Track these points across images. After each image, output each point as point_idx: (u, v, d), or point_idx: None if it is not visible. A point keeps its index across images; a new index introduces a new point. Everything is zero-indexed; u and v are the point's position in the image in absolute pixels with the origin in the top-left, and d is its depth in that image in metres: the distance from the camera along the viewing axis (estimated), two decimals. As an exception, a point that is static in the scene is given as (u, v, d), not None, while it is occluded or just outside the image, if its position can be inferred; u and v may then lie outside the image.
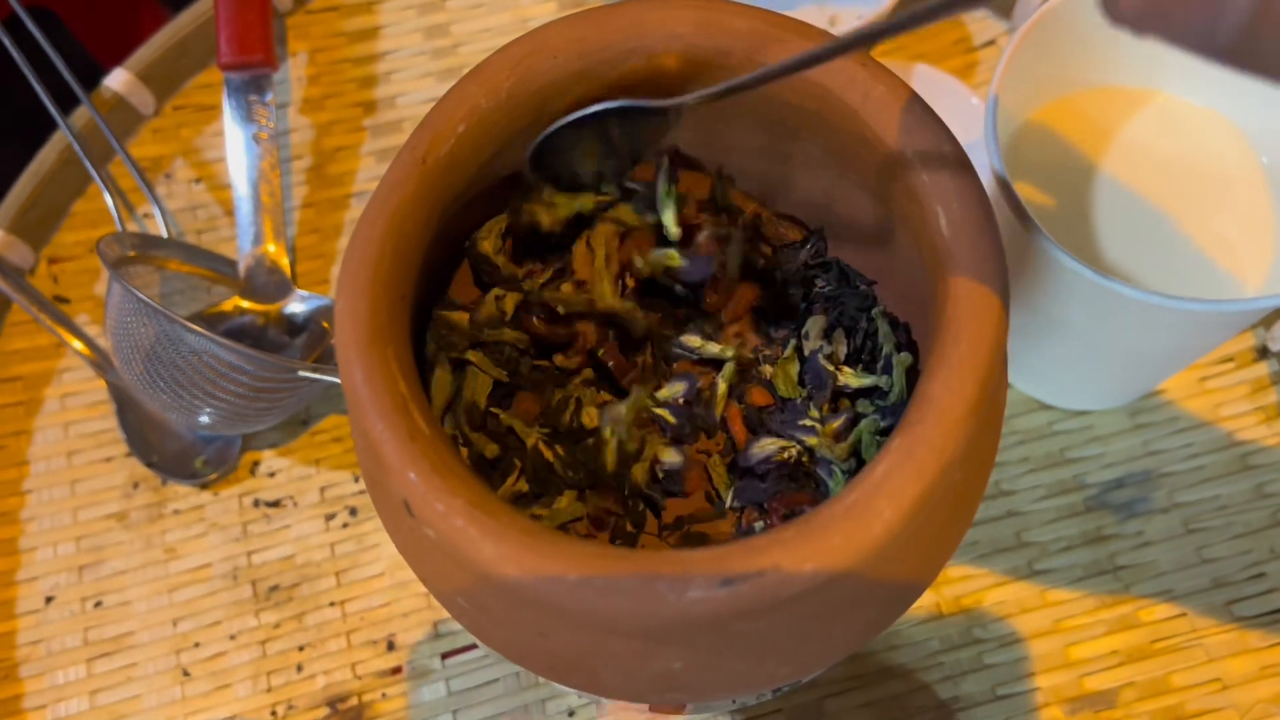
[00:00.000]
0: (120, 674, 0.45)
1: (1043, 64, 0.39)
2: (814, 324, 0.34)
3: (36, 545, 0.47)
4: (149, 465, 0.47)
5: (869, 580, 0.26)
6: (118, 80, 0.53)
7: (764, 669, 0.27)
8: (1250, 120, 0.40)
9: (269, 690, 0.44)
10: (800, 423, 0.33)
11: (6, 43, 0.48)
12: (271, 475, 0.48)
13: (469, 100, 0.30)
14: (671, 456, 0.33)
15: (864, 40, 0.24)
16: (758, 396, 0.35)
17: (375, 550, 0.46)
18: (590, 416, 0.33)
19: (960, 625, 0.44)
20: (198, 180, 0.54)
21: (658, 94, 0.31)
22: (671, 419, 0.33)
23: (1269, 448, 0.46)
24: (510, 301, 0.33)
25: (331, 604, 0.46)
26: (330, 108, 0.55)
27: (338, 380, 0.43)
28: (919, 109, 0.29)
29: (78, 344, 0.48)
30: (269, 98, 0.52)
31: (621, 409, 0.32)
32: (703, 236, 0.33)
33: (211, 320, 0.48)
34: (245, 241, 0.50)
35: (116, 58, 0.54)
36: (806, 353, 0.34)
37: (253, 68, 0.52)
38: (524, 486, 0.32)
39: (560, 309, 0.33)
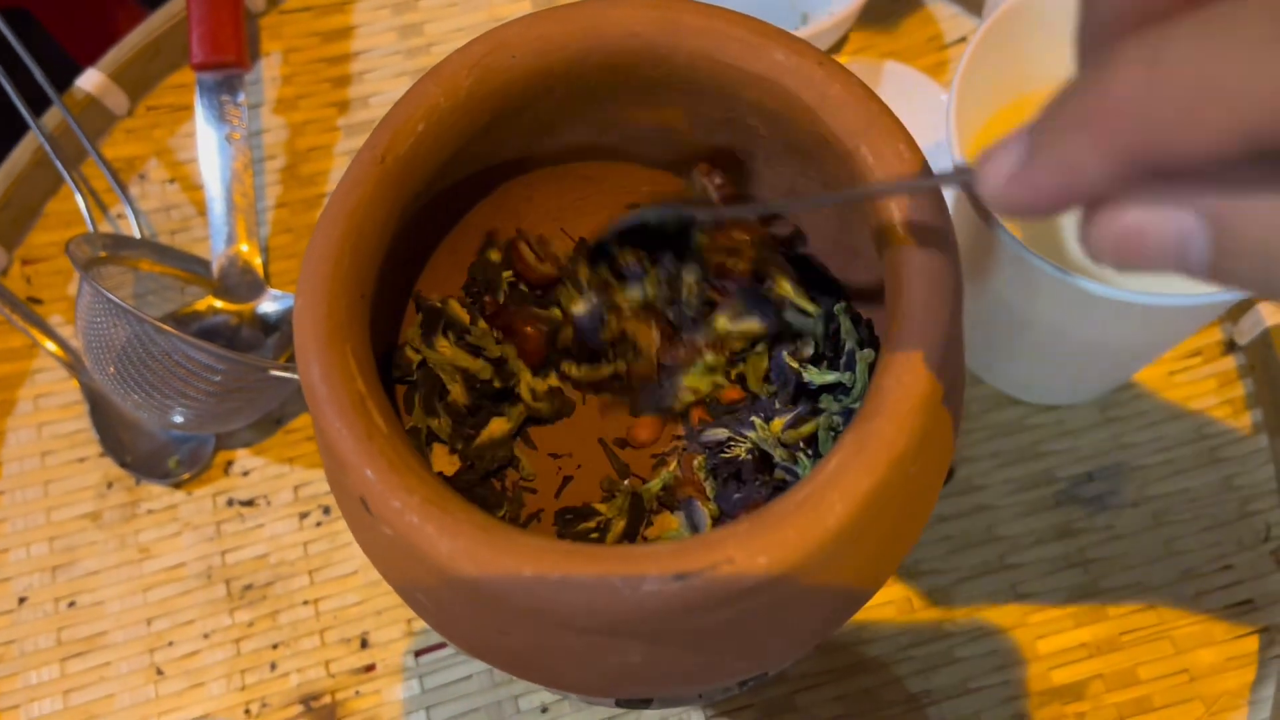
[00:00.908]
0: (94, 673, 0.45)
1: (1005, 61, 0.39)
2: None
3: (9, 546, 0.47)
4: (122, 465, 0.47)
5: (824, 573, 0.26)
6: (90, 81, 0.52)
7: (723, 663, 0.28)
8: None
9: (243, 689, 0.44)
10: (751, 418, 0.33)
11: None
12: (245, 474, 0.48)
13: (428, 99, 0.30)
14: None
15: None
16: (730, 393, 0.36)
17: (349, 549, 0.46)
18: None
19: (931, 619, 0.44)
20: (171, 181, 0.54)
21: (614, 90, 0.31)
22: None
23: (1237, 440, 0.47)
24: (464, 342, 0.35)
25: (305, 602, 0.46)
26: (304, 108, 0.55)
27: (309, 379, 0.43)
28: (875, 107, 0.29)
29: (51, 345, 0.48)
30: (241, 98, 0.52)
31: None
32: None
33: (185, 320, 0.48)
34: (218, 242, 0.50)
35: (93, 56, 0.54)
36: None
37: (225, 68, 0.52)
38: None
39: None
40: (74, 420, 0.49)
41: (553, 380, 0.36)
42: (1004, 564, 0.45)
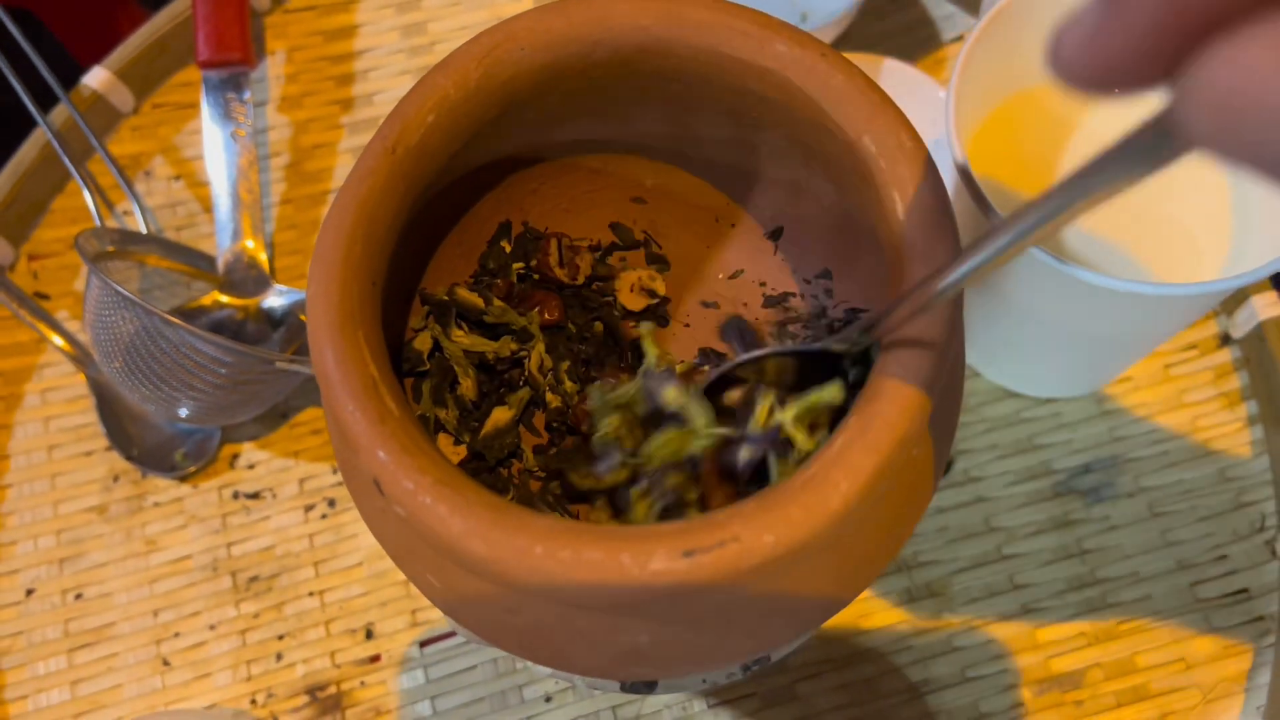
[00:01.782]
0: (101, 664, 0.45)
1: (1002, 58, 0.40)
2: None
3: (17, 539, 0.47)
4: (129, 459, 0.48)
5: (828, 552, 0.27)
6: (97, 79, 0.53)
7: (728, 642, 0.28)
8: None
9: (249, 679, 0.45)
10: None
11: (-15, 41, 0.49)
12: (251, 468, 0.48)
13: (438, 91, 0.30)
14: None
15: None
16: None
17: (353, 541, 0.47)
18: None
19: (930, 609, 0.45)
20: (176, 177, 0.54)
21: (620, 82, 0.32)
22: None
23: (1231, 433, 0.47)
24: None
25: (310, 594, 0.46)
26: (308, 105, 0.55)
27: (313, 372, 0.43)
28: (877, 98, 0.29)
29: (58, 339, 0.49)
30: (247, 95, 0.52)
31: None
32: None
33: (191, 315, 0.49)
34: (224, 237, 0.50)
35: (95, 56, 0.54)
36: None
37: (231, 65, 0.52)
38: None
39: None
40: (80, 414, 0.49)
41: (567, 385, 0.37)
42: (1002, 554, 0.46)
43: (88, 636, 0.46)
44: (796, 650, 0.44)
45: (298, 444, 0.49)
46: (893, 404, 0.26)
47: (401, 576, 0.46)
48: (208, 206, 0.53)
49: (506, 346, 0.35)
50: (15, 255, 0.52)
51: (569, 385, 0.36)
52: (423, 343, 0.35)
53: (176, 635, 0.46)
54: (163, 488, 0.48)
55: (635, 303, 0.37)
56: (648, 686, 0.36)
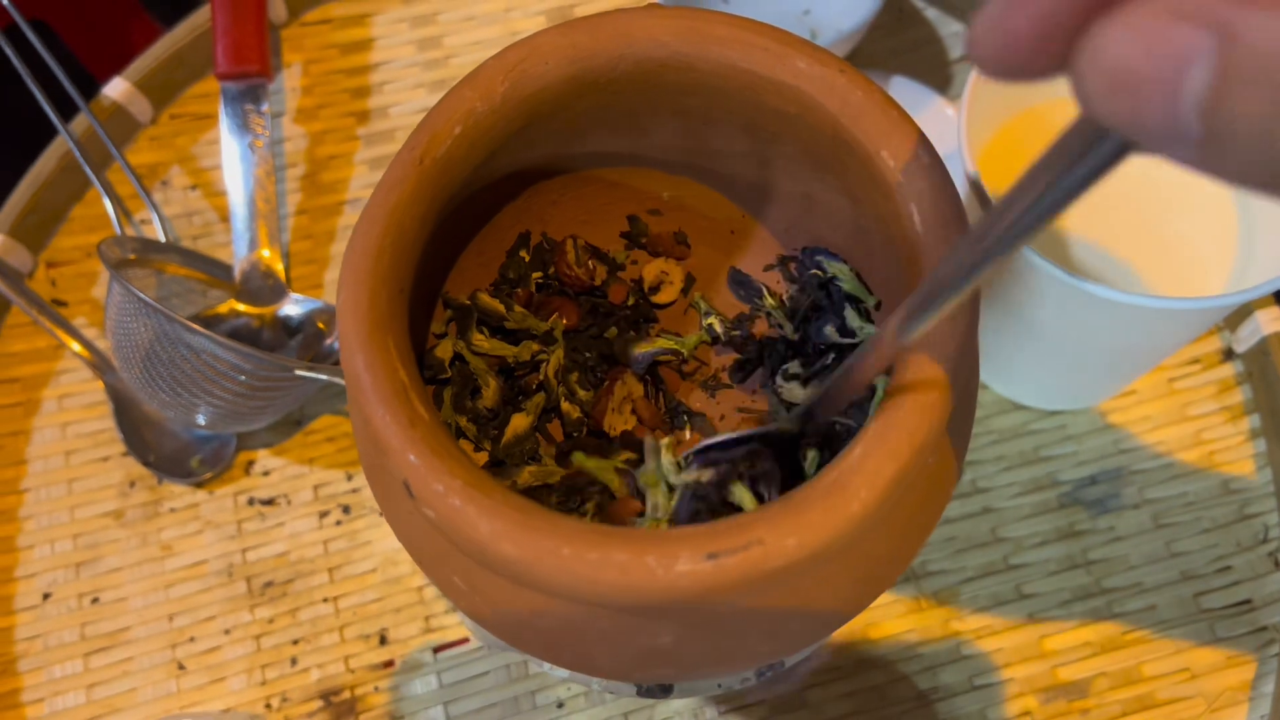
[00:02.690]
0: (116, 668, 0.46)
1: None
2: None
3: (34, 543, 0.48)
4: (146, 464, 0.48)
5: (847, 557, 0.28)
6: (116, 89, 0.54)
7: (748, 645, 0.29)
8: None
9: (263, 683, 0.45)
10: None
11: (9, 51, 0.49)
12: (266, 474, 0.49)
13: (465, 103, 0.31)
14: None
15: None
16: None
17: (368, 547, 0.47)
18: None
19: (938, 618, 0.45)
20: (193, 187, 0.55)
21: (641, 96, 0.33)
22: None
23: (1235, 446, 0.48)
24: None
25: (325, 599, 0.46)
26: (324, 117, 0.56)
27: (332, 379, 0.44)
28: (894, 113, 0.30)
29: (76, 346, 0.49)
30: (265, 107, 0.53)
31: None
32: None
33: (208, 322, 0.50)
34: (241, 246, 0.51)
35: (109, 68, 0.55)
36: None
37: (249, 77, 0.53)
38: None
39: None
40: (97, 420, 0.50)
41: (580, 393, 0.37)
42: (1009, 564, 0.46)
43: (103, 640, 0.46)
44: (808, 658, 0.44)
45: (312, 451, 0.49)
46: (911, 412, 0.26)
47: (415, 583, 0.47)
48: (224, 216, 0.54)
49: (527, 350, 0.36)
50: (34, 263, 0.52)
51: (582, 394, 0.37)
52: (444, 351, 0.35)
53: (191, 640, 0.46)
54: (179, 493, 0.48)
55: (661, 296, 0.38)
56: (664, 690, 0.36)
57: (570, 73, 0.32)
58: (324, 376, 0.44)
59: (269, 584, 0.47)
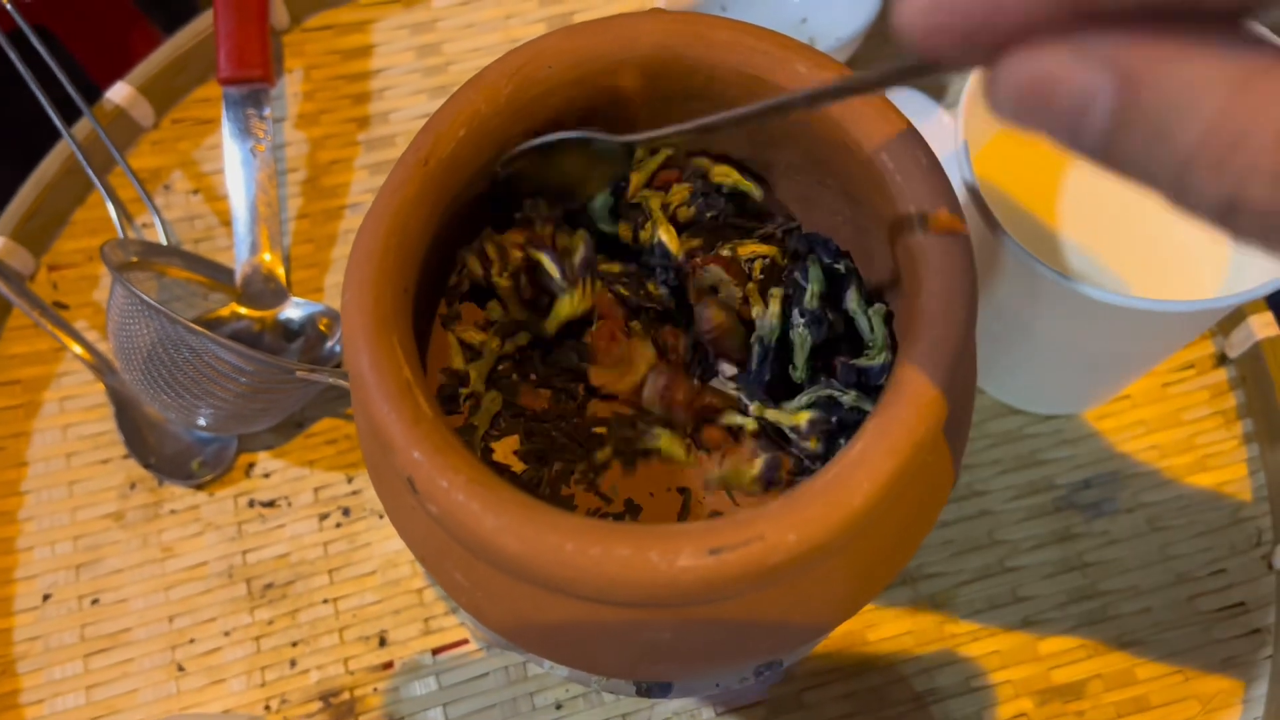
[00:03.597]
0: (116, 669, 0.46)
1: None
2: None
3: (34, 544, 0.48)
4: (146, 466, 0.48)
5: (846, 554, 0.28)
6: (118, 93, 0.54)
7: (748, 642, 0.29)
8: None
9: (263, 685, 0.45)
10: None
11: (12, 55, 0.50)
12: (266, 476, 0.49)
13: (470, 106, 0.31)
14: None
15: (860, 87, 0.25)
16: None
17: (367, 549, 0.48)
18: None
19: (935, 620, 0.46)
20: (195, 191, 0.55)
21: (643, 100, 0.33)
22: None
23: (1228, 450, 0.48)
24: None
25: (325, 601, 0.47)
26: (325, 122, 0.57)
27: (333, 382, 0.44)
28: (894, 116, 0.31)
29: (77, 348, 0.50)
30: (267, 111, 0.53)
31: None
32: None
33: (209, 325, 0.50)
34: (242, 250, 0.51)
35: (110, 74, 0.55)
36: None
37: (251, 82, 0.53)
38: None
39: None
40: (98, 422, 0.50)
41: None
42: (1005, 567, 0.47)
43: (104, 642, 0.46)
44: (810, 647, 0.45)
45: (313, 453, 0.49)
46: (912, 409, 0.27)
47: (415, 585, 0.47)
48: (225, 220, 0.54)
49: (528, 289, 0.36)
50: (36, 265, 0.53)
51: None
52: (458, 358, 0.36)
53: (191, 641, 0.46)
54: (179, 495, 0.49)
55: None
56: (663, 689, 0.36)
57: (573, 76, 0.32)
58: (325, 379, 0.44)
59: (269, 586, 0.47)
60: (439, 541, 0.29)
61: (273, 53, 0.56)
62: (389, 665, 0.46)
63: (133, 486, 0.49)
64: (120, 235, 0.50)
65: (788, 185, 0.37)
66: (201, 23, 0.56)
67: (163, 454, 0.49)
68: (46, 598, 0.47)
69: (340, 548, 0.48)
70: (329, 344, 0.50)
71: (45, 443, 0.50)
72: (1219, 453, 0.48)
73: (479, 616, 0.30)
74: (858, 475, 0.26)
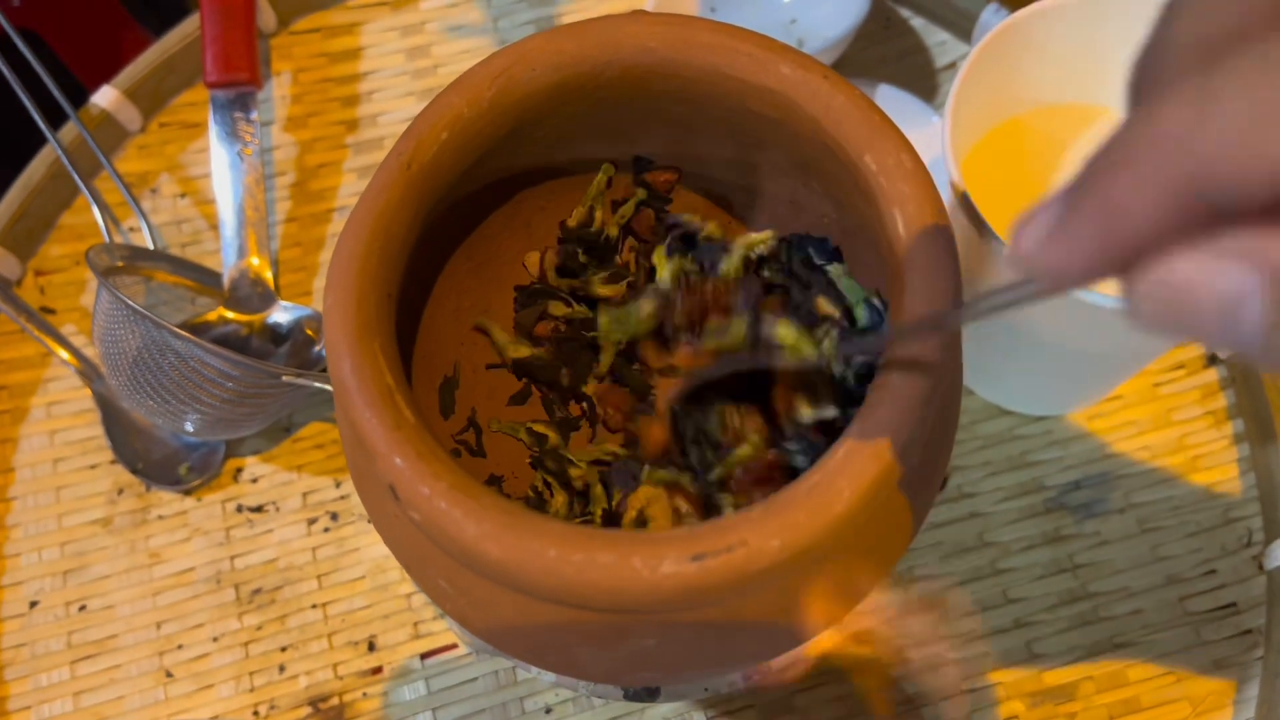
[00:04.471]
0: (104, 676, 0.45)
1: (997, 83, 0.41)
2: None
3: (21, 551, 0.48)
4: (134, 472, 0.48)
5: (831, 559, 0.28)
6: (105, 97, 0.54)
7: (734, 647, 0.29)
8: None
9: (251, 690, 0.45)
10: None
11: (-2, 60, 0.49)
12: (254, 481, 0.49)
13: (452, 109, 0.31)
14: None
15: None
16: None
17: (356, 554, 0.47)
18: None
19: (926, 622, 0.46)
20: (182, 195, 0.55)
21: (628, 102, 0.33)
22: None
23: (1219, 450, 0.48)
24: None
25: (313, 606, 0.46)
26: (313, 126, 0.56)
27: (320, 386, 0.44)
28: (877, 118, 0.30)
29: (64, 353, 0.49)
30: (254, 115, 0.53)
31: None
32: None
33: (196, 330, 0.49)
34: (230, 254, 0.51)
35: (98, 77, 0.55)
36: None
37: (238, 86, 0.53)
38: None
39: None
40: (85, 428, 0.50)
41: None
42: (995, 569, 0.46)
43: (91, 648, 0.46)
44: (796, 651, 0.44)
45: (301, 458, 0.49)
46: (896, 412, 0.26)
47: (404, 590, 0.47)
48: (213, 224, 0.54)
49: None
50: (22, 270, 0.52)
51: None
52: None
53: (180, 647, 0.46)
54: (167, 501, 0.48)
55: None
56: (650, 694, 0.36)
57: (557, 79, 0.32)
58: (312, 383, 0.44)
59: (257, 591, 0.47)
60: (422, 548, 0.29)
61: (260, 56, 0.56)
62: (378, 670, 0.45)
63: (120, 492, 0.49)
64: (107, 240, 0.50)
65: (775, 188, 0.37)
66: (188, 26, 0.56)
67: (150, 459, 0.49)
68: (33, 604, 0.47)
69: (329, 552, 0.47)
70: (316, 348, 0.50)
71: (32, 448, 0.49)
72: (1209, 453, 0.48)
73: (464, 623, 0.30)
74: (840, 481, 0.26)
